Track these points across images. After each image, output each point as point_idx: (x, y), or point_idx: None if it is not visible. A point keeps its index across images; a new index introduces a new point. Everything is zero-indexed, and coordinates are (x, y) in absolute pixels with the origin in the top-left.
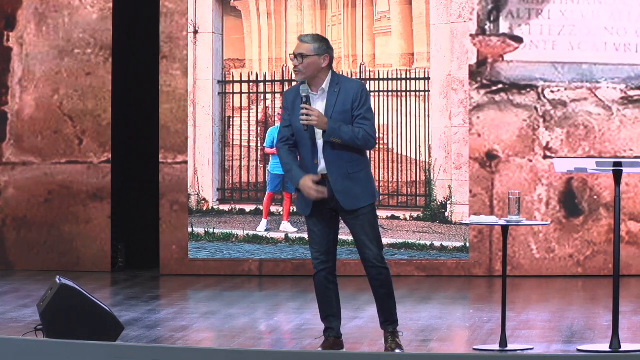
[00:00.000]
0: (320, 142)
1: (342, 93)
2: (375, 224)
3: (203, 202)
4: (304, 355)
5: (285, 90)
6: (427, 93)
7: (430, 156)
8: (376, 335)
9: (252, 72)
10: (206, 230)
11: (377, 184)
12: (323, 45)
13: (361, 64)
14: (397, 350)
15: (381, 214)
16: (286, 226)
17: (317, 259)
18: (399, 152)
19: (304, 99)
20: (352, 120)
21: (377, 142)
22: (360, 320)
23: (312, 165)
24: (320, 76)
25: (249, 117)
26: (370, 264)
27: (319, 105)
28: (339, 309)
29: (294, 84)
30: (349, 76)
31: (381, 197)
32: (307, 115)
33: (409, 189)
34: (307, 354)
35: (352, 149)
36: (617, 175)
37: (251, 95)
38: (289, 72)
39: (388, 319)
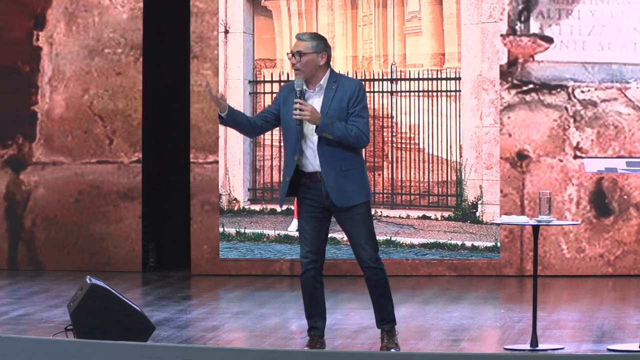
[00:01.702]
0: (314, 138)
1: (340, 90)
2: (370, 223)
3: (234, 202)
4: (334, 355)
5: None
6: (457, 93)
7: (461, 156)
8: (407, 335)
9: (282, 72)
10: (237, 230)
11: (408, 183)
12: (321, 43)
13: (392, 64)
14: (393, 350)
15: (412, 213)
16: None
17: (307, 258)
18: (430, 152)
19: (297, 94)
20: (347, 117)
21: (408, 142)
22: None
23: (291, 161)
24: (318, 74)
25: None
26: (365, 265)
27: (316, 101)
28: (324, 309)
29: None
30: (380, 77)
31: (412, 197)
32: (300, 110)
33: (440, 189)
34: (339, 354)
35: (346, 146)
36: None
37: None
38: None
39: (384, 318)
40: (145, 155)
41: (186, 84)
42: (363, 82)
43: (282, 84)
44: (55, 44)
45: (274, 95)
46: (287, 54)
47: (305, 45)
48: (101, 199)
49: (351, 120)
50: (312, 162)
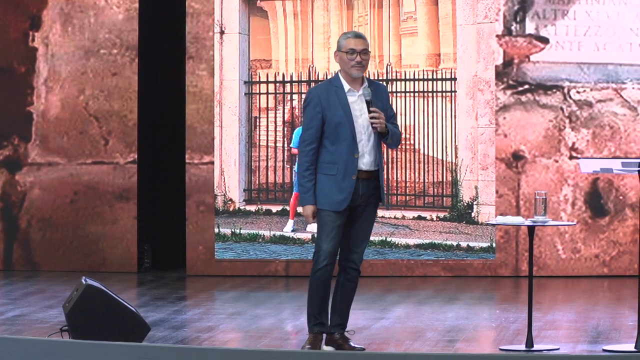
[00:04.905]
0: (363, 137)
1: (376, 94)
2: None
3: (229, 202)
4: (328, 355)
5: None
6: (453, 94)
7: (456, 157)
8: (402, 336)
9: (278, 73)
10: (233, 230)
11: (403, 184)
12: None
13: (387, 65)
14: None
15: (408, 214)
16: (313, 227)
17: (329, 253)
18: (425, 153)
19: (371, 103)
20: (386, 120)
21: (404, 142)
22: (387, 320)
23: (352, 160)
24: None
25: (275, 117)
26: (354, 266)
27: (363, 105)
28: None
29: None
30: (376, 77)
31: (408, 197)
32: (377, 118)
33: (435, 190)
34: (332, 355)
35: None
36: None
37: (277, 95)
38: (315, 72)
39: (345, 322)
40: (140, 156)
41: (182, 84)
42: None
43: (277, 84)
44: (51, 44)
45: (269, 96)
46: (348, 49)
47: (368, 44)
48: (97, 200)
49: (391, 124)
50: (359, 161)
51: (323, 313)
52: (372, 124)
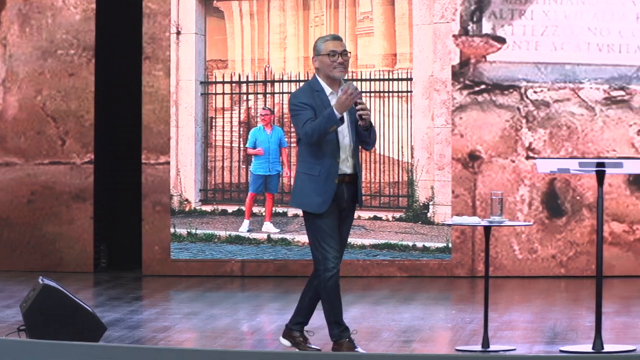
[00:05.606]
0: (344, 141)
1: None
2: None
3: (185, 202)
4: (286, 356)
5: (288, 92)
6: (409, 94)
7: (412, 157)
8: (358, 336)
9: (234, 73)
10: (188, 230)
11: None
12: None
13: None
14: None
15: (363, 214)
16: (268, 227)
17: (337, 258)
18: (382, 153)
19: (359, 98)
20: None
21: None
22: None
23: (335, 163)
24: None
25: (231, 117)
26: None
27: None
28: None
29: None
30: None
31: (363, 197)
32: (364, 110)
33: (391, 190)
34: (289, 355)
35: None
36: (600, 176)
37: (234, 96)
38: (271, 72)
39: (307, 322)
40: (97, 156)
41: (138, 85)
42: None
43: (233, 85)
44: (9, 45)
45: (225, 96)
46: (329, 52)
47: (345, 45)
48: (53, 200)
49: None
50: (341, 165)
51: (342, 317)
52: (360, 115)
